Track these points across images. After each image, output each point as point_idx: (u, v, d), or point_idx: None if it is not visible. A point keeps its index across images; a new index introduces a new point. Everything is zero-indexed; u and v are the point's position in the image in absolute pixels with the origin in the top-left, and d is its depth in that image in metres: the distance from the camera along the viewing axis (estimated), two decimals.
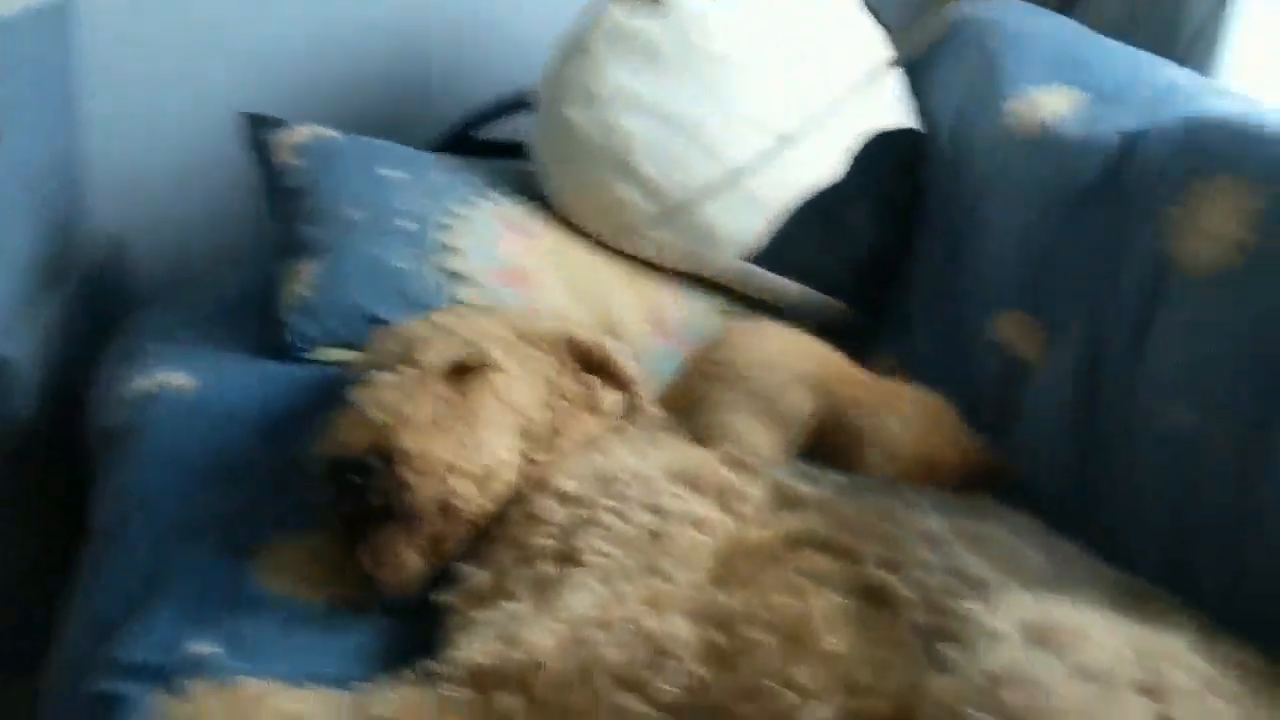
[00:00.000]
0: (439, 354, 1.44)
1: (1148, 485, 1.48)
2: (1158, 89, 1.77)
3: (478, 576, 1.32)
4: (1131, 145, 1.66)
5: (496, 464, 1.41)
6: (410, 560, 1.34)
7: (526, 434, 1.46)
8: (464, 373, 1.44)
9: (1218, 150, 1.52)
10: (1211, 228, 1.47)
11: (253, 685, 1.17)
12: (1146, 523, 1.48)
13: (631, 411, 1.59)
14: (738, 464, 1.45)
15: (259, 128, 1.99)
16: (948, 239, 1.96)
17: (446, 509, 1.35)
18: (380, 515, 1.34)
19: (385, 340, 1.52)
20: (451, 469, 1.35)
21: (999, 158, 1.87)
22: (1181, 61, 1.94)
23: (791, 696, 1.14)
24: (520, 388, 1.47)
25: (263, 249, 1.95)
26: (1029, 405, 1.70)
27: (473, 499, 1.37)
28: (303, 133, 1.97)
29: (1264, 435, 1.34)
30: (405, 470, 1.32)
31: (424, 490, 1.33)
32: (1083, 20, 2.12)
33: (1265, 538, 1.33)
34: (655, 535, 1.30)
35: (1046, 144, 1.79)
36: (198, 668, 1.25)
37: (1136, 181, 1.61)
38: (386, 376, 1.41)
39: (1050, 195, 1.75)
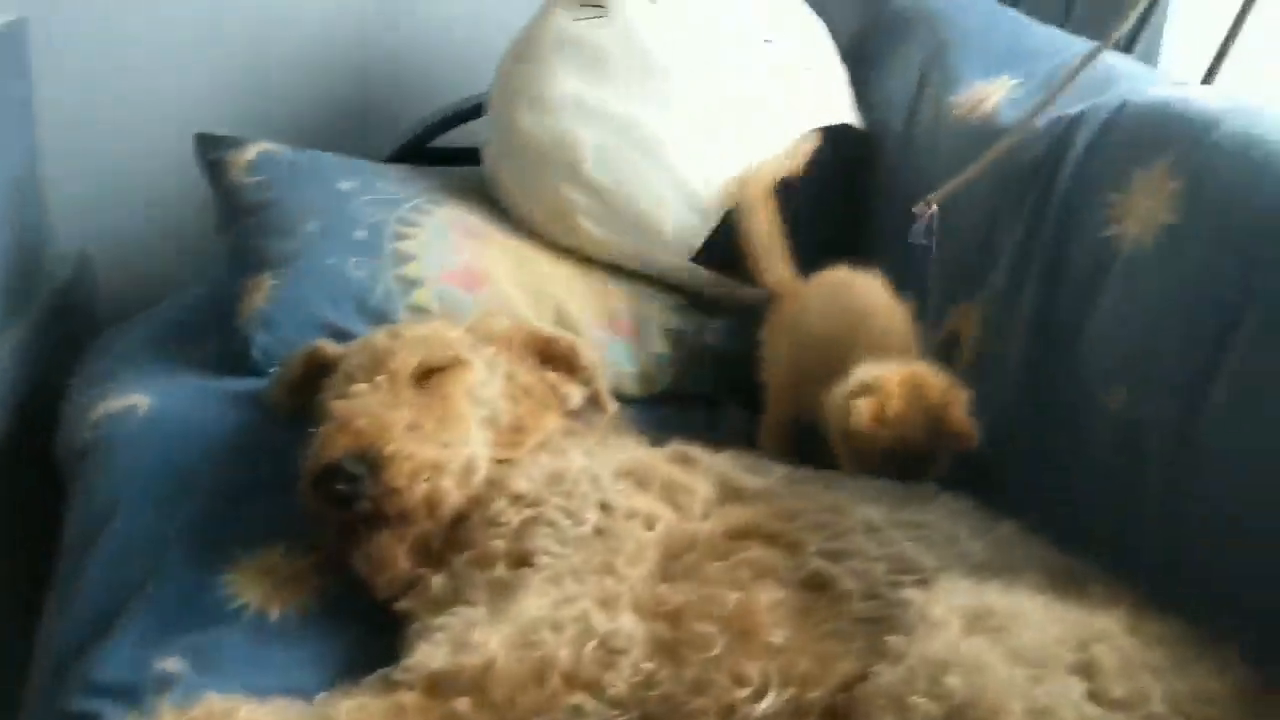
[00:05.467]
0: (405, 358, 1.47)
1: (1093, 462, 1.52)
2: (1096, 76, 1.78)
3: (438, 583, 1.35)
4: (1071, 130, 1.68)
5: (474, 456, 1.43)
6: (402, 561, 1.37)
7: (494, 426, 1.48)
8: (432, 374, 1.47)
9: (1152, 137, 1.54)
10: (1144, 211, 1.50)
11: (218, 701, 1.19)
12: (1094, 496, 1.52)
13: (593, 405, 1.61)
14: (684, 459, 1.48)
15: (212, 147, 2.00)
16: (901, 229, 1.97)
17: (433, 507, 1.38)
18: (369, 520, 1.36)
19: (350, 354, 1.54)
20: (436, 468, 1.37)
21: (945, 147, 1.90)
22: (1121, 49, 1.97)
23: (739, 690, 1.17)
24: (487, 382, 1.50)
25: (223, 265, 1.96)
26: (983, 385, 1.73)
27: (454, 494, 1.39)
28: (254, 150, 1.98)
29: (1194, 417, 1.38)
30: (393, 474, 1.34)
31: (412, 492, 1.35)
32: (1023, 9, 2.14)
33: (1198, 512, 1.37)
34: (602, 532, 1.33)
35: (989, 131, 1.81)
36: (166, 685, 1.28)
37: (1080, 167, 1.64)
38: (360, 386, 1.44)
39: (992, 178, 1.77)
